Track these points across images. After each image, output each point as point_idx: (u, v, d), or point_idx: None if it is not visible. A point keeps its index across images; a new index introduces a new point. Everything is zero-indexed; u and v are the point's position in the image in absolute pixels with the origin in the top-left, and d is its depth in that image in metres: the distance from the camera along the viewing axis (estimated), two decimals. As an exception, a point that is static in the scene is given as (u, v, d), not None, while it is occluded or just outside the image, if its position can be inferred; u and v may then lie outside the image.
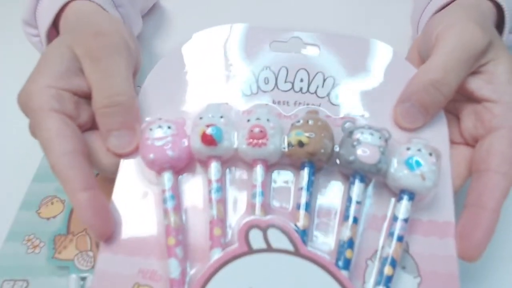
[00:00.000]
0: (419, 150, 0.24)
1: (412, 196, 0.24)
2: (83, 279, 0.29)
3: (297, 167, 0.26)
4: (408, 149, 0.24)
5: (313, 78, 0.29)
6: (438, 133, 0.27)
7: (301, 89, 0.29)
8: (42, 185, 0.34)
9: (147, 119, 0.27)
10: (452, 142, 0.27)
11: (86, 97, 0.27)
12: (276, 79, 0.29)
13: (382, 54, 0.29)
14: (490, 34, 0.27)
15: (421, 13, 0.33)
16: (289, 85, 0.29)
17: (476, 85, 0.27)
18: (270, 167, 0.26)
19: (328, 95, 0.28)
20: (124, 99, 0.26)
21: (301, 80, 0.29)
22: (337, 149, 0.25)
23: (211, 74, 0.29)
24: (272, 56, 0.29)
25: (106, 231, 0.24)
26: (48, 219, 0.33)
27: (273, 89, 0.29)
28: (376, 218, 0.25)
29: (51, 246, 0.31)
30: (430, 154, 0.24)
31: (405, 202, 0.24)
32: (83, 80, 0.27)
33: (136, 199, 0.26)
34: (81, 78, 0.27)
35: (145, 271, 0.24)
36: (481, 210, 0.24)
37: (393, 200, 0.25)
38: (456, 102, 0.28)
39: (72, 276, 0.29)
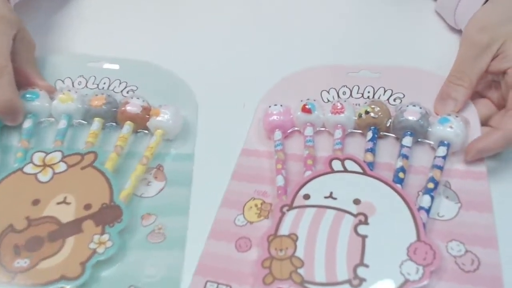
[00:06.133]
0: (448, 115, 0.36)
1: (446, 144, 0.35)
2: None
3: (365, 136, 0.38)
4: (441, 115, 0.36)
5: (377, 90, 0.42)
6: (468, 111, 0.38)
7: (368, 96, 0.42)
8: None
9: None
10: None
11: None
12: (351, 91, 0.42)
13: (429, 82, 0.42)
14: (491, 29, 0.37)
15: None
16: (360, 95, 0.42)
17: (498, 64, 0.36)
18: (346, 136, 0.38)
19: (388, 99, 0.41)
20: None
21: (368, 92, 0.42)
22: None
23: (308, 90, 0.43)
24: (347, 80, 0.44)
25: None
26: None
27: (349, 97, 0.42)
28: (424, 168, 0.35)
29: None
30: (457, 116, 0.35)
31: (442, 148, 0.35)
32: None
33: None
34: None
35: (259, 191, 0.36)
36: (494, 130, 0.34)
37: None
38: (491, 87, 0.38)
39: None
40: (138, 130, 0.40)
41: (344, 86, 0.43)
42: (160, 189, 0.36)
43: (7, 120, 0.38)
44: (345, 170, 0.34)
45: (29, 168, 0.34)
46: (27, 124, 0.38)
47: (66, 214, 0.33)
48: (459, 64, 0.38)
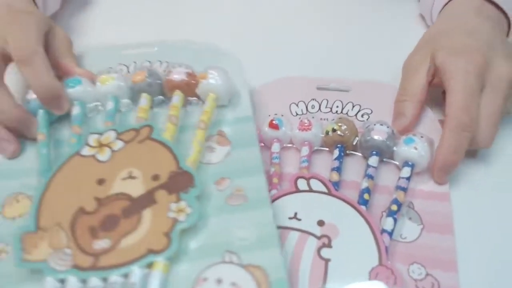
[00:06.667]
0: (413, 135, 0.36)
1: (411, 164, 0.35)
2: (62, 281, 0.26)
3: (332, 153, 0.37)
4: (406, 135, 0.36)
5: (345, 105, 0.42)
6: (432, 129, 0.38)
7: (337, 111, 0.41)
8: (4, 182, 0.33)
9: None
10: None
11: None
12: (320, 105, 0.42)
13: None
14: (425, 45, 0.39)
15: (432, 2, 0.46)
16: (328, 109, 0.42)
17: (437, 76, 0.38)
18: (312, 153, 0.38)
19: (355, 115, 0.41)
20: None
21: (337, 106, 0.42)
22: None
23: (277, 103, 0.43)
24: (317, 93, 0.43)
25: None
26: (13, 218, 0.30)
27: (317, 111, 0.42)
28: (389, 187, 0.35)
29: (19, 247, 0.27)
30: (422, 137, 0.35)
31: (406, 168, 0.35)
32: None
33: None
34: None
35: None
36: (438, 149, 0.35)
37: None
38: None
39: (47, 279, 0.26)
40: (188, 99, 0.38)
41: (313, 99, 0.42)
42: (226, 153, 0.35)
43: (53, 107, 0.37)
44: (310, 190, 0.34)
45: (85, 151, 0.33)
46: (75, 111, 0.37)
47: (135, 188, 0.31)
48: (402, 82, 0.40)
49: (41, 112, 0.36)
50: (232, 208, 0.31)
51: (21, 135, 0.36)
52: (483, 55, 0.36)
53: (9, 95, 0.36)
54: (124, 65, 0.43)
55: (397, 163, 0.36)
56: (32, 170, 0.33)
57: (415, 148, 0.35)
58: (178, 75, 0.38)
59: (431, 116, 0.39)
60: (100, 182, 0.31)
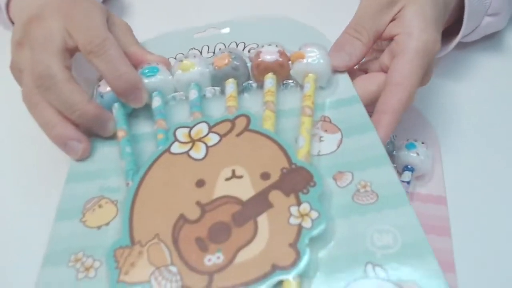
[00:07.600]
0: (415, 140, 0.38)
1: (411, 169, 0.36)
2: None
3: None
4: (407, 140, 0.38)
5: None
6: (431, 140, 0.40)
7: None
8: (80, 185, 0.28)
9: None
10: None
11: None
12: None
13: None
14: None
15: None
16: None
17: (390, 28, 0.35)
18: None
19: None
20: None
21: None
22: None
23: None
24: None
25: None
26: (98, 227, 0.26)
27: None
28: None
29: (113, 266, 0.23)
30: (422, 143, 0.38)
31: (407, 172, 0.37)
32: None
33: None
34: None
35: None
36: (382, 115, 0.32)
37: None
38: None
39: None
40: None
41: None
42: (338, 141, 0.31)
43: (131, 100, 0.33)
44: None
45: (176, 148, 0.28)
46: (156, 103, 0.33)
47: (243, 190, 0.27)
48: (360, 17, 0.36)
49: (116, 105, 0.33)
50: (362, 208, 0.27)
51: (95, 134, 0.32)
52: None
53: (81, 91, 0.32)
54: (196, 49, 0.39)
55: (395, 165, 0.37)
56: (109, 170, 0.29)
57: (417, 154, 0.36)
58: (270, 56, 0.34)
59: (426, 123, 0.41)
60: (200, 183, 0.27)
